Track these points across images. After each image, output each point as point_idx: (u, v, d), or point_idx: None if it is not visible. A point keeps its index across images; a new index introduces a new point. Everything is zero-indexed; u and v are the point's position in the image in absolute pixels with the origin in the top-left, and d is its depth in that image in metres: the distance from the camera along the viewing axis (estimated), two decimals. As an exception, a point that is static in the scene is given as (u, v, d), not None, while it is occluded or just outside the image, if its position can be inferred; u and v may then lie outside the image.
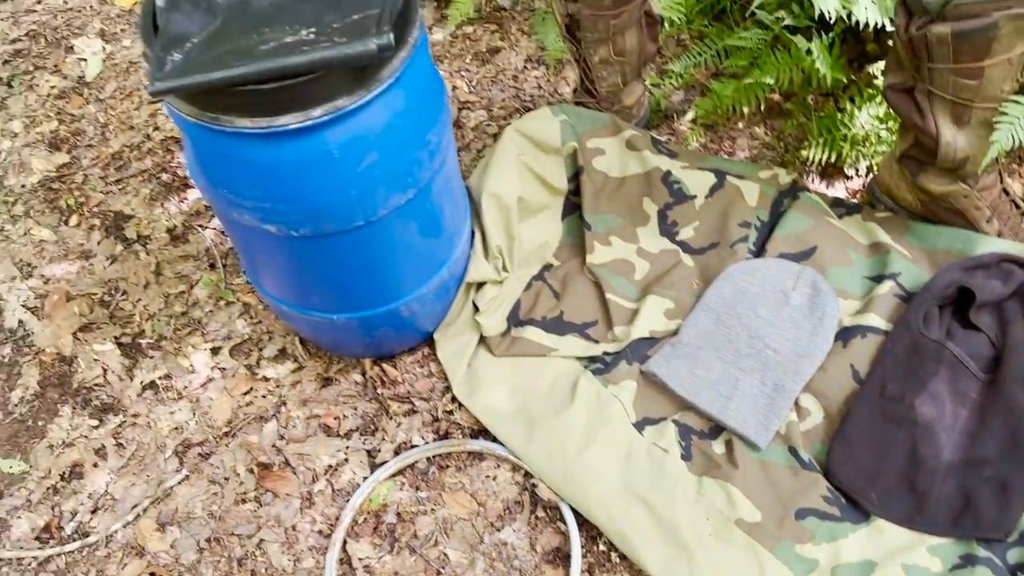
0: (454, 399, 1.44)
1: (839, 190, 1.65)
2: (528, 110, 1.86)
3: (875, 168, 1.61)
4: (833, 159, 1.64)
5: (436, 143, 1.21)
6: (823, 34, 1.62)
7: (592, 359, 1.43)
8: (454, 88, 1.92)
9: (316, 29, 1.01)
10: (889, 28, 1.52)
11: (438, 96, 1.22)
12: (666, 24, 1.79)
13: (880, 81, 1.63)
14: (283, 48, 0.99)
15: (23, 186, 1.80)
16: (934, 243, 1.46)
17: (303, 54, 0.98)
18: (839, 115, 1.65)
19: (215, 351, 1.54)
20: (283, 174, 1.08)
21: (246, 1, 1.05)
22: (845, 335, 1.38)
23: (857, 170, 1.65)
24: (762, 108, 1.76)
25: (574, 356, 1.43)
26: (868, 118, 1.63)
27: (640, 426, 1.36)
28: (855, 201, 1.60)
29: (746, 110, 1.74)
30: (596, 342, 1.45)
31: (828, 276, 1.44)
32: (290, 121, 1.02)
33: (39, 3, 2.18)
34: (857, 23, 1.52)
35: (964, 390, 1.30)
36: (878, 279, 1.43)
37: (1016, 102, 1.25)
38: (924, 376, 1.29)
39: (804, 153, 1.65)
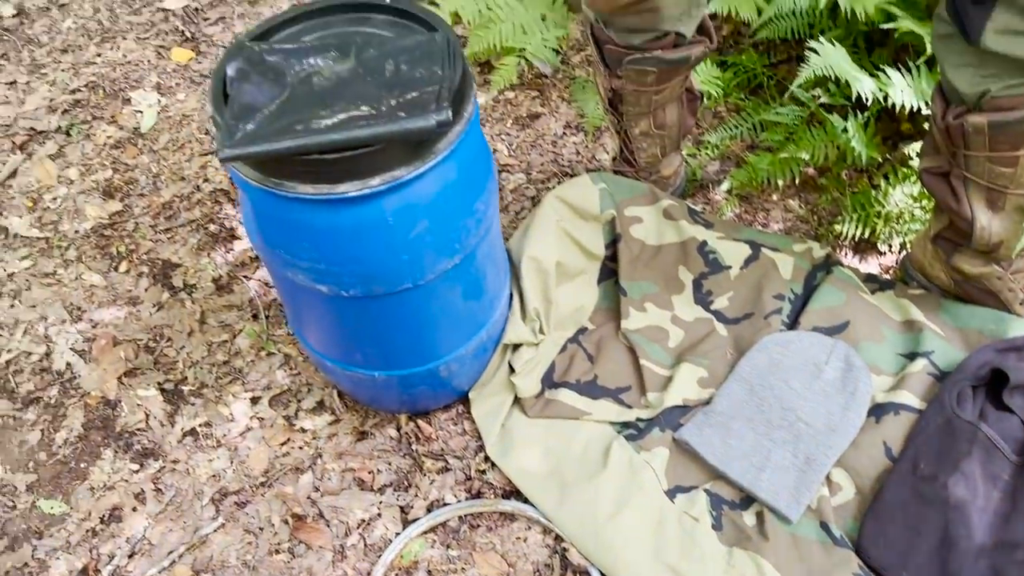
0: (487, 458, 1.46)
1: (872, 265, 1.68)
2: (566, 175, 1.91)
3: (909, 245, 1.64)
4: (867, 235, 1.67)
5: (483, 211, 1.26)
6: (858, 113, 1.66)
7: (625, 424, 1.45)
8: (495, 151, 1.97)
9: (378, 104, 1.06)
10: (924, 111, 1.56)
11: (487, 166, 1.26)
12: (704, 98, 1.84)
13: (915, 162, 1.67)
14: (347, 122, 1.04)
15: (76, 232, 1.86)
16: (967, 323, 1.47)
17: (366, 128, 1.03)
18: (873, 192, 1.68)
19: (255, 400, 1.58)
20: (339, 238, 1.12)
21: (311, 76, 1.11)
22: (878, 411, 1.39)
23: (891, 246, 1.67)
24: (797, 181, 1.80)
25: (607, 421, 1.45)
26: (902, 196, 1.66)
27: (672, 494, 1.37)
28: (888, 277, 1.63)
29: (781, 183, 1.77)
30: (629, 407, 1.47)
31: (861, 351, 1.46)
32: (350, 189, 1.06)
33: (99, 56, 2.28)
34: (892, 104, 1.56)
35: (997, 472, 1.30)
36: (911, 356, 1.45)
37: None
38: (957, 456, 1.30)
39: (838, 228, 1.68)
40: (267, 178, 1.08)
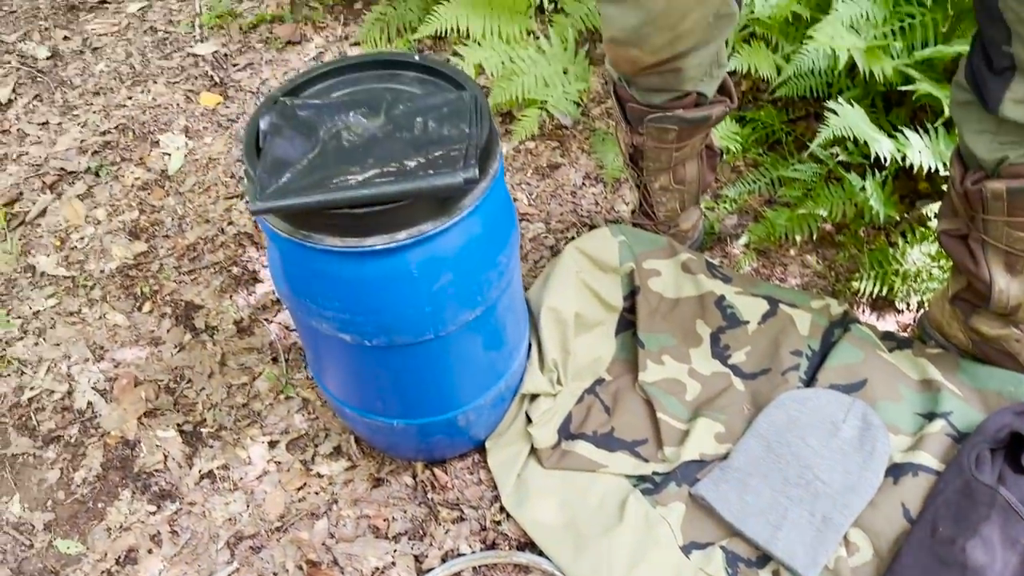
0: (502, 509, 1.46)
1: (890, 323, 1.68)
2: (585, 225, 1.94)
3: (926, 304, 1.64)
4: (884, 292, 1.67)
5: (505, 264, 1.27)
6: (876, 171, 1.68)
7: (641, 478, 1.45)
8: (515, 199, 2.00)
9: (407, 161, 1.09)
10: (942, 172, 1.58)
11: (510, 220, 1.29)
12: (723, 153, 1.87)
13: (933, 222, 1.68)
14: (376, 178, 1.06)
15: (102, 271, 1.89)
16: (986, 384, 1.47)
17: (395, 184, 1.05)
18: (891, 250, 1.69)
19: (272, 444, 1.59)
20: (365, 289, 1.14)
21: (342, 131, 1.14)
22: (896, 472, 1.38)
23: (908, 304, 1.68)
24: (814, 237, 1.81)
25: (624, 474, 1.45)
26: (920, 255, 1.67)
27: (687, 550, 1.36)
28: (906, 335, 1.63)
29: (798, 238, 1.79)
30: (646, 461, 1.47)
31: (878, 410, 1.46)
32: (377, 243, 1.09)
33: (130, 98, 2.33)
34: (910, 164, 1.58)
35: (1016, 536, 1.29)
36: (929, 416, 1.45)
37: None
38: (976, 520, 1.29)
39: (855, 284, 1.69)
40: (296, 230, 1.10)
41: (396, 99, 1.19)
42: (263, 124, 1.15)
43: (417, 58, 1.24)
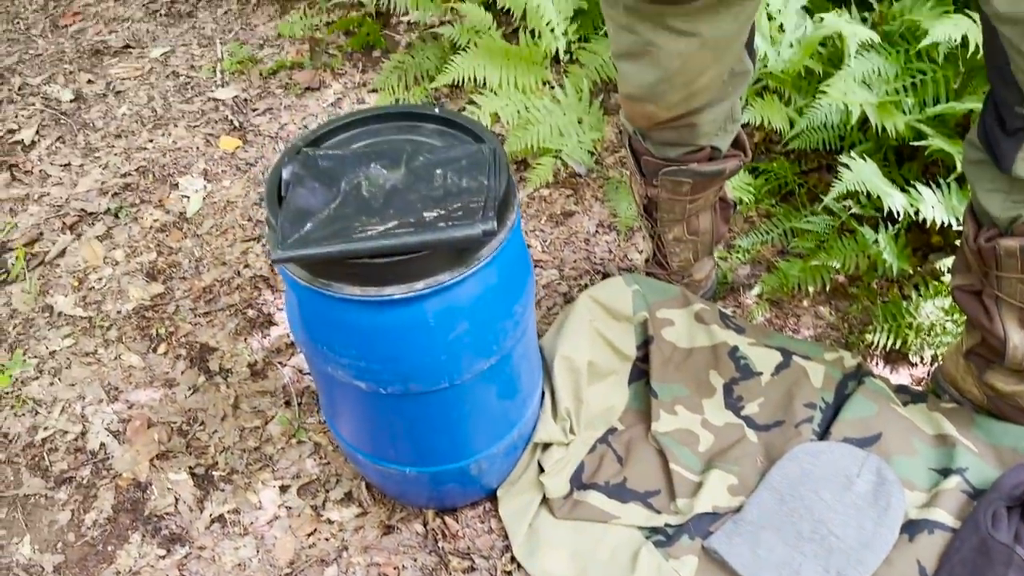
0: (513, 559, 1.45)
1: (903, 376, 1.68)
2: (598, 273, 1.95)
3: (940, 358, 1.64)
4: (898, 345, 1.67)
5: (521, 313, 1.28)
6: (889, 224, 1.69)
7: (654, 530, 1.44)
8: (529, 246, 2.02)
9: (426, 212, 1.10)
10: (955, 226, 1.59)
11: (526, 270, 1.30)
12: (737, 204, 1.88)
13: (946, 277, 1.68)
14: (396, 229, 1.08)
15: (119, 312, 1.91)
16: (1001, 440, 1.46)
17: (414, 235, 1.07)
18: (904, 303, 1.70)
19: (283, 489, 1.59)
20: (382, 337, 1.15)
21: (363, 182, 1.16)
22: (911, 529, 1.37)
23: (922, 358, 1.68)
24: (827, 289, 1.81)
25: (636, 525, 1.45)
26: (934, 308, 1.67)
27: (700, 605, 1.35)
28: (920, 389, 1.62)
29: (811, 289, 1.79)
30: (658, 512, 1.46)
31: (893, 464, 1.45)
32: (395, 292, 1.10)
33: (151, 141, 2.37)
34: (923, 218, 1.59)
35: (1034, 596, 1.28)
36: (944, 472, 1.44)
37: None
38: (993, 580, 1.27)
39: (869, 337, 1.69)
40: (316, 278, 1.12)
41: (416, 151, 1.21)
42: (285, 174, 1.17)
43: (437, 110, 1.27)
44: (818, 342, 1.73)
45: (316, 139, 1.24)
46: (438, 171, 1.17)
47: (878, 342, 1.68)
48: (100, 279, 1.99)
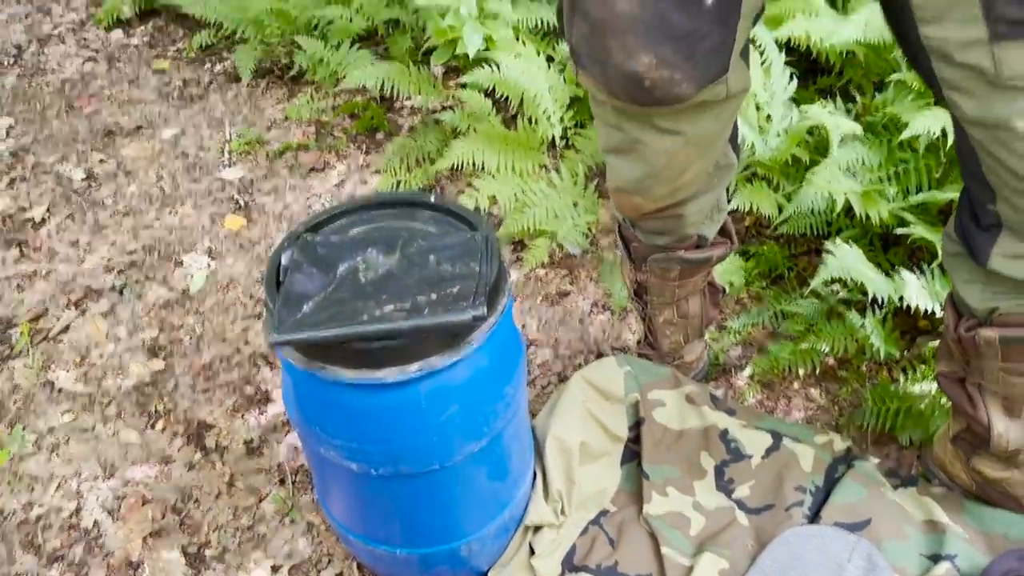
0: (504, 643, 1.44)
1: (893, 460, 1.69)
2: (592, 352, 1.98)
3: (930, 442, 1.65)
4: (887, 428, 1.69)
5: (512, 395, 1.31)
6: (876, 308, 1.72)
7: (645, 615, 1.44)
8: (524, 326, 2.05)
9: (419, 297, 1.14)
10: (939, 313, 1.62)
11: (517, 353, 1.33)
12: (728, 287, 1.93)
13: (934, 361, 1.71)
14: (390, 313, 1.12)
15: (119, 388, 1.94)
16: (991, 526, 1.47)
17: (408, 320, 1.10)
18: (893, 386, 1.72)
19: (275, 569, 1.58)
20: (374, 419, 1.18)
21: (359, 268, 1.20)
22: (902, 616, 1.37)
23: (911, 441, 1.69)
24: (817, 371, 1.84)
25: (627, 610, 1.44)
26: (922, 392, 1.69)
27: None
28: (910, 473, 1.63)
29: (802, 372, 1.82)
30: (649, 597, 1.46)
31: (883, 550, 1.45)
32: (388, 375, 1.13)
33: (158, 220, 2.43)
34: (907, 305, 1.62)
35: None
36: (935, 559, 1.44)
37: None
38: (985, 670, 1.26)
39: (859, 420, 1.71)
40: (311, 361, 1.15)
41: (412, 237, 1.26)
42: (284, 259, 1.22)
43: (432, 199, 1.32)
44: (808, 425, 1.75)
45: (315, 225, 1.29)
46: (432, 257, 1.22)
47: (868, 425, 1.70)
48: (102, 355, 2.02)
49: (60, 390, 1.94)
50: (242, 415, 1.87)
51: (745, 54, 1.18)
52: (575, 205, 2.22)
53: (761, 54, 1.93)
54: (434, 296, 1.15)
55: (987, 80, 1.00)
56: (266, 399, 1.91)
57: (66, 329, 2.10)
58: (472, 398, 1.22)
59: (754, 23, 1.12)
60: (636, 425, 1.67)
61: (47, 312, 2.14)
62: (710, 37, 1.06)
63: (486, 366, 1.22)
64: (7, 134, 2.83)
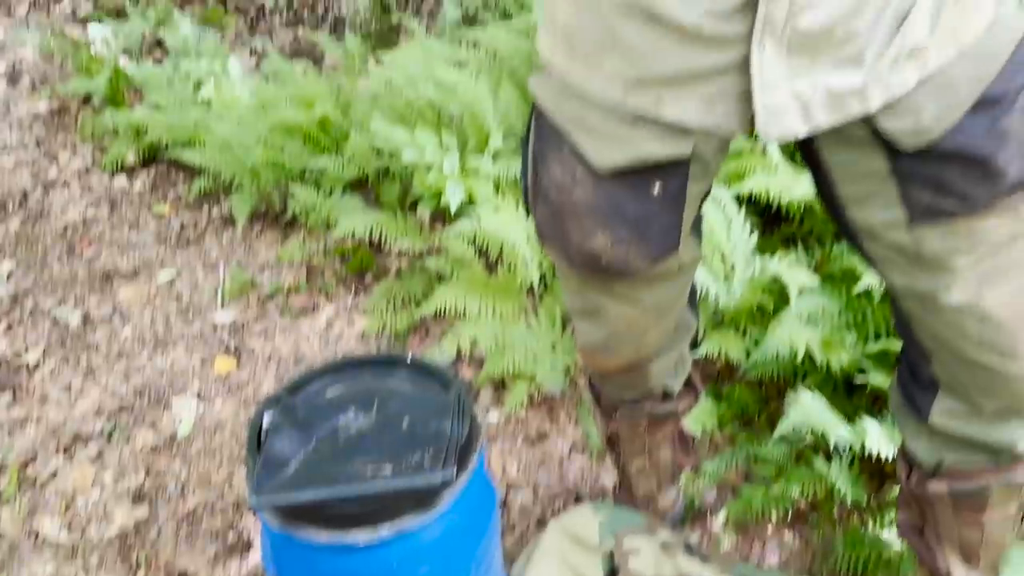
0: None
1: (867, 607, 1.71)
2: (571, 494, 2.01)
3: (901, 588, 1.68)
4: (860, 573, 1.71)
5: (484, 551, 1.35)
6: (841, 455, 1.78)
7: None
8: (503, 469, 2.09)
9: (392, 459, 1.20)
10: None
11: (489, 510, 1.37)
12: (701, 431, 1.98)
13: (896, 507, 1.75)
14: (364, 476, 1.17)
15: (102, 537, 1.96)
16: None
17: (379, 482, 1.16)
18: (862, 530, 1.75)
19: None
20: (346, 580, 1.21)
21: (337, 429, 1.26)
22: None
23: (884, 587, 1.71)
24: (789, 516, 1.87)
25: None
26: (892, 536, 1.72)
27: None
28: (883, 620, 1.65)
29: (775, 516, 1.85)
30: None
31: None
32: (360, 538, 1.17)
33: (149, 362, 2.50)
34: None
35: None
36: None
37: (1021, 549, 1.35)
38: None
39: (831, 565, 1.73)
40: (287, 523, 1.19)
41: (389, 396, 1.33)
42: (265, 421, 1.28)
43: (408, 360, 1.40)
44: (783, 571, 1.77)
45: (295, 386, 1.36)
46: (407, 416, 1.28)
47: (841, 569, 1.72)
48: (87, 502, 2.05)
49: (44, 540, 1.95)
50: (224, 563, 1.89)
51: (697, 228, 1.28)
52: (553, 347, 2.30)
53: (723, 211, 2.05)
54: (407, 457, 1.21)
55: (910, 258, 1.09)
56: (248, 546, 1.92)
57: (54, 475, 2.13)
58: (443, 558, 1.26)
59: (700, 204, 1.23)
60: (612, 573, 1.69)
61: (36, 458, 2.18)
62: (659, 219, 1.16)
63: (457, 524, 1.27)
64: (8, 278, 2.93)
